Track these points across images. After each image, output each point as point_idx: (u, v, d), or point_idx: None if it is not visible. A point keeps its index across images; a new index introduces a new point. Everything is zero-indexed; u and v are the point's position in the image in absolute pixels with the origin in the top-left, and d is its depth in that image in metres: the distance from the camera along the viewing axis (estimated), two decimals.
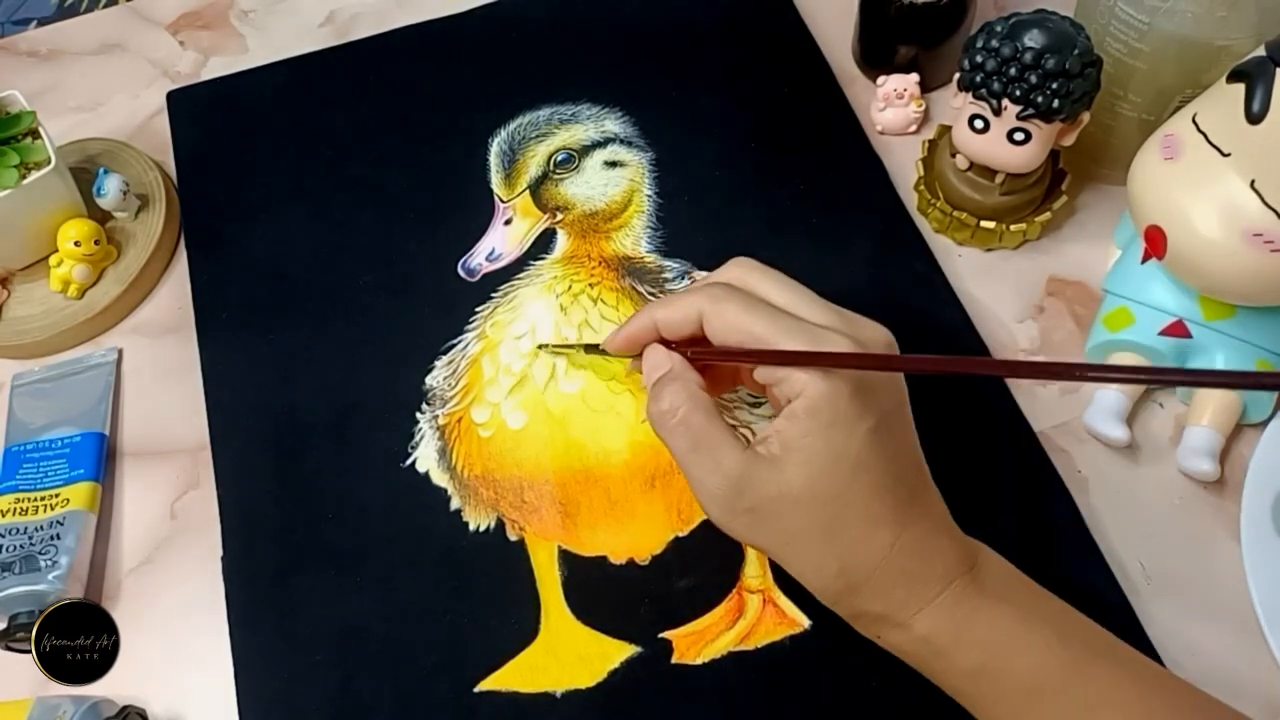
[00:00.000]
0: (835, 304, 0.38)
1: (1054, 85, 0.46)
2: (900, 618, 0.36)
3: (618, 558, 0.48)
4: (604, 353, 0.44)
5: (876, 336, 0.38)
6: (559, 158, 0.59)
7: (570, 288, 0.55)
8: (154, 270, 0.59)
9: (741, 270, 0.40)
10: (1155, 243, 0.45)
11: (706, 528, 0.48)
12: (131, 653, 0.48)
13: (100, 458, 0.52)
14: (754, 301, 0.38)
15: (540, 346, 0.53)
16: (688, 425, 0.38)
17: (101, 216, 0.59)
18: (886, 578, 0.36)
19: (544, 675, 0.45)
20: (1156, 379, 0.37)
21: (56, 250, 0.56)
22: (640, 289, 0.54)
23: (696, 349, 0.40)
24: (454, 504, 0.50)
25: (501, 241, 0.57)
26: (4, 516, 0.50)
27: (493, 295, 0.55)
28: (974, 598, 0.36)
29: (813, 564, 0.37)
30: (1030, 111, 0.48)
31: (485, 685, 0.45)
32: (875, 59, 0.61)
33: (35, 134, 0.56)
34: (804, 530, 0.36)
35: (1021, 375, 0.32)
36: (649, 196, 0.58)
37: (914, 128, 0.59)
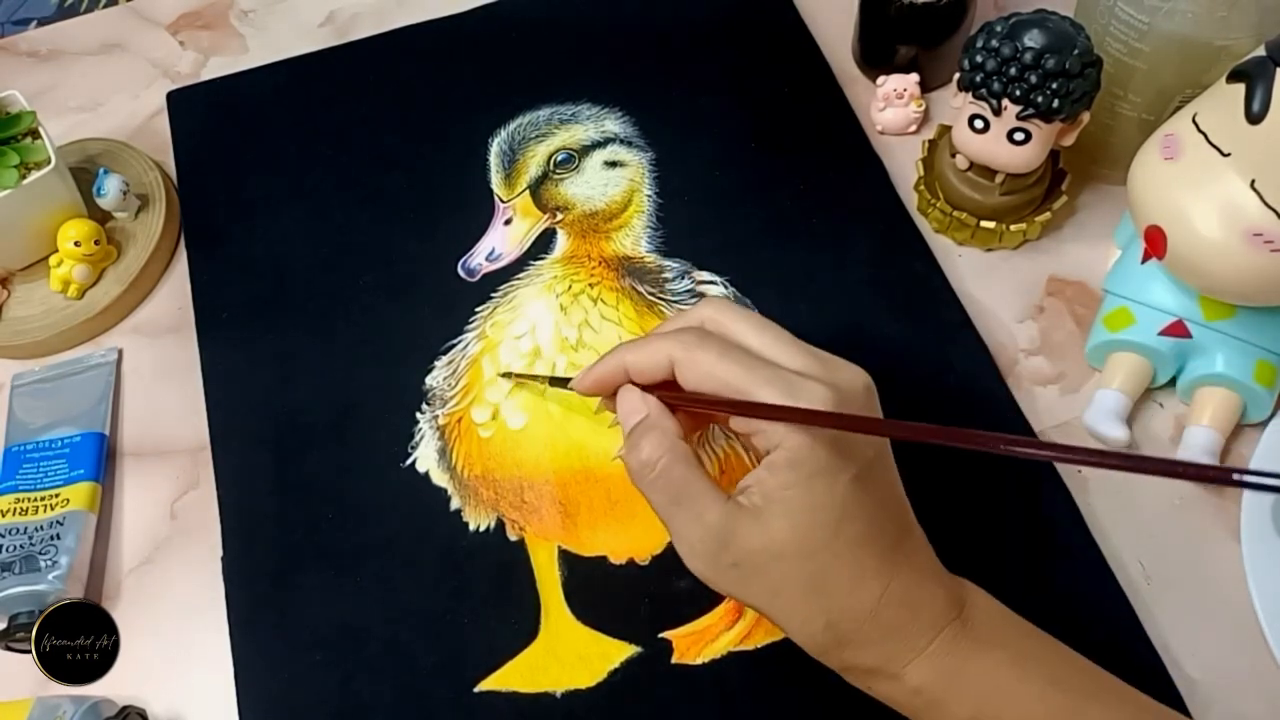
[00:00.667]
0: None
1: (1054, 85, 0.46)
2: (891, 670, 0.35)
3: (618, 558, 0.48)
4: (570, 389, 0.42)
5: (854, 381, 0.36)
6: (559, 158, 0.59)
7: (570, 288, 0.55)
8: (154, 270, 0.59)
9: (713, 310, 0.38)
10: (1155, 243, 0.45)
11: None
12: (131, 653, 0.48)
13: (100, 458, 0.52)
14: (728, 348, 0.36)
15: (504, 375, 0.52)
16: (668, 478, 0.36)
17: (101, 216, 0.59)
18: (875, 630, 0.35)
19: (544, 675, 0.46)
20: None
21: (56, 250, 0.56)
22: (640, 289, 0.54)
23: (669, 394, 0.38)
24: (454, 504, 0.50)
25: (501, 241, 0.57)
26: (4, 516, 0.50)
27: (493, 295, 0.55)
28: (964, 645, 0.35)
29: (799, 618, 0.36)
30: (1030, 111, 0.48)
31: (485, 685, 0.46)
32: (875, 59, 0.61)
33: (35, 134, 0.56)
34: (789, 584, 0.35)
35: (998, 450, 0.30)
36: (649, 196, 0.58)
37: (914, 128, 0.59)
